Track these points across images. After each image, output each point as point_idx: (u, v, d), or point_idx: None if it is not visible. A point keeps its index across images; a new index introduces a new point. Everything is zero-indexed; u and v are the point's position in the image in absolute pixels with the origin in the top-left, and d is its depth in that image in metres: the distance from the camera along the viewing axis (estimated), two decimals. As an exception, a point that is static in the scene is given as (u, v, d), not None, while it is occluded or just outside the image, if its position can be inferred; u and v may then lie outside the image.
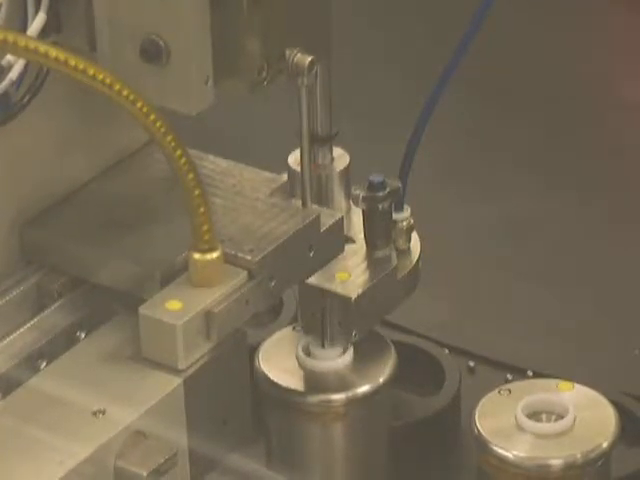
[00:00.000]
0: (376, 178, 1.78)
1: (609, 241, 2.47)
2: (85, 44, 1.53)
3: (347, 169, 1.92)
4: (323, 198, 1.86)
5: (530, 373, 1.87)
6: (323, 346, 1.78)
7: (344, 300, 1.73)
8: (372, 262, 1.83)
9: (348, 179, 1.94)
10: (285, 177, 1.79)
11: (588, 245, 2.45)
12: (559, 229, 2.49)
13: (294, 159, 1.82)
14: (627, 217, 2.47)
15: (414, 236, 1.95)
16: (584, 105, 2.91)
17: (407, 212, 1.93)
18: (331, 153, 1.84)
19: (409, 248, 1.93)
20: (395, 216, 1.88)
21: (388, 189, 1.75)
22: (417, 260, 1.92)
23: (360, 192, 1.72)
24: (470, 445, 1.64)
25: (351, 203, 1.83)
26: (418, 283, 1.93)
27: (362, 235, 1.85)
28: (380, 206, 1.81)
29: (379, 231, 1.83)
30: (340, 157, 1.84)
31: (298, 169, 1.76)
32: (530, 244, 2.44)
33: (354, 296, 1.73)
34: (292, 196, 1.74)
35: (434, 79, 1.85)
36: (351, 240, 1.84)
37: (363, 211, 1.79)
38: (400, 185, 1.79)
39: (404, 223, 1.92)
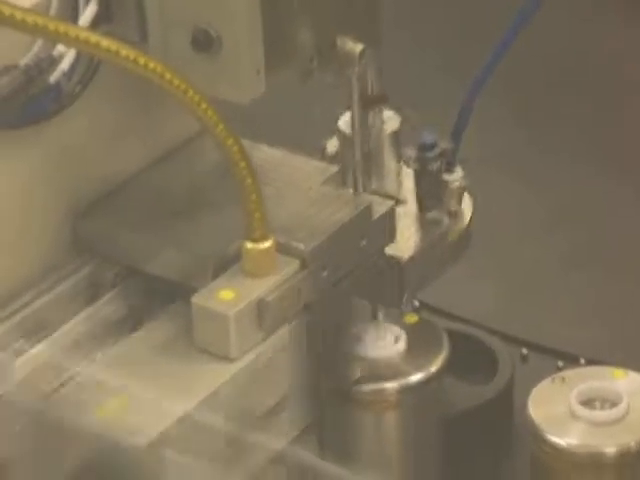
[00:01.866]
0: (428, 138, 1.79)
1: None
2: (136, 34, 1.53)
3: (397, 131, 1.84)
4: (374, 160, 1.77)
5: (582, 361, 1.87)
6: (375, 317, 1.78)
7: (395, 261, 1.73)
8: (423, 224, 1.82)
9: (398, 141, 1.85)
10: (336, 167, 1.74)
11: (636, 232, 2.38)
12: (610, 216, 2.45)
13: (344, 122, 1.74)
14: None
15: (466, 198, 1.94)
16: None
17: (459, 173, 1.90)
18: (381, 115, 1.79)
19: (461, 210, 1.91)
20: (446, 177, 1.86)
21: (439, 149, 1.75)
22: (469, 223, 1.91)
23: (411, 153, 1.71)
24: (523, 433, 1.64)
25: (402, 164, 1.80)
26: (469, 246, 1.92)
27: (413, 197, 1.84)
28: (431, 167, 1.80)
29: (430, 192, 1.83)
30: (390, 119, 1.79)
31: (348, 131, 1.70)
32: (578, 232, 2.40)
33: (405, 257, 1.73)
34: (343, 160, 1.74)
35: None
36: (402, 202, 1.81)
37: (415, 172, 1.76)
38: (452, 145, 1.79)
39: (455, 184, 1.89)
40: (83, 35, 1.36)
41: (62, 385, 1.47)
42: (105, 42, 1.34)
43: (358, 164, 1.70)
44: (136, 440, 1.35)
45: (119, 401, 1.42)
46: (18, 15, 1.34)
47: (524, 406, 1.58)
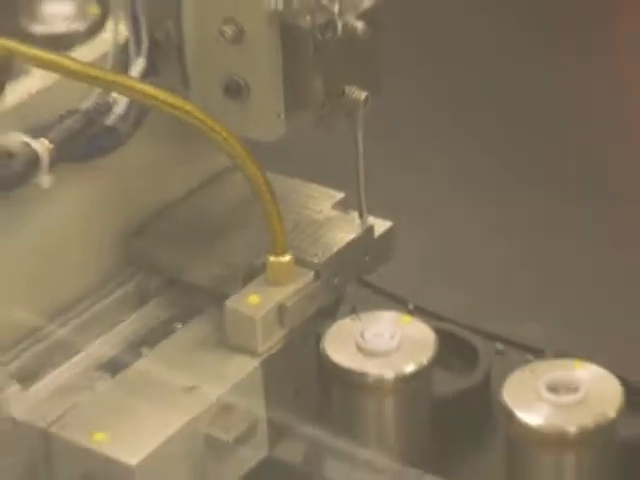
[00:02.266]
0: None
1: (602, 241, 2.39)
2: (179, 84, 1.53)
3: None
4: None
5: (548, 354, 1.87)
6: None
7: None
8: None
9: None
10: (343, 194, 1.72)
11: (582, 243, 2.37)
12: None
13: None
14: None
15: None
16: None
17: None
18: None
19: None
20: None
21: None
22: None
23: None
24: (499, 414, 1.59)
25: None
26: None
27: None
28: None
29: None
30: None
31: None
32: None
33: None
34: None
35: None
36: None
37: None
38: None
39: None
40: (134, 85, 1.42)
41: (113, 374, 1.49)
42: (152, 90, 1.39)
43: (362, 191, 1.64)
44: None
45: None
46: (81, 68, 1.40)
47: (499, 392, 1.55)
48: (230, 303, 1.48)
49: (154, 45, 1.53)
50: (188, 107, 1.40)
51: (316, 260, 1.55)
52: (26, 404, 1.41)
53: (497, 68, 3.04)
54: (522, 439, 1.52)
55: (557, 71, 2.98)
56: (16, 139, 1.37)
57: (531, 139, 2.71)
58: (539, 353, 1.79)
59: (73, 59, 1.44)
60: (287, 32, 1.44)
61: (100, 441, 1.34)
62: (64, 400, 1.42)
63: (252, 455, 1.52)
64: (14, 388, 1.41)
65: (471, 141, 2.73)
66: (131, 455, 1.31)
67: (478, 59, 2.93)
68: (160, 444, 1.34)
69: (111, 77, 1.44)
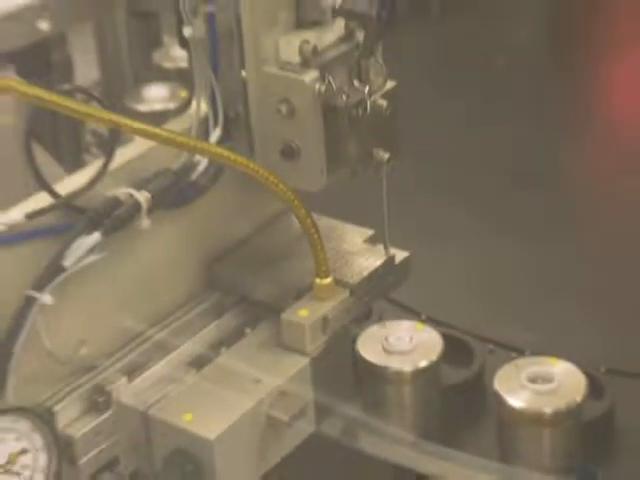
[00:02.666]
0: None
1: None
2: (246, 149, 1.59)
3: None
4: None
5: (528, 353, 1.87)
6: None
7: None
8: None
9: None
10: (372, 231, 1.75)
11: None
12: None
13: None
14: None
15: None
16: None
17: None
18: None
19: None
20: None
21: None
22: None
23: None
24: (491, 400, 1.66)
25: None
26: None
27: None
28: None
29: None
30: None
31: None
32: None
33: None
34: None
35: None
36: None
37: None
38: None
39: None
40: (212, 149, 1.50)
41: (198, 368, 1.54)
42: (226, 153, 1.46)
43: (386, 229, 1.66)
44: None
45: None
46: (172, 137, 1.45)
47: (491, 382, 1.62)
48: (285, 315, 1.54)
49: (227, 120, 1.60)
50: (252, 166, 1.47)
51: (351, 281, 1.59)
52: (131, 392, 1.47)
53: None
54: (509, 419, 1.59)
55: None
56: (123, 191, 1.45)
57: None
58: (521, 352, 1.83)
59: (167, 130, 1.51)
60: (328, 109, 1.49)
61: (187, 421, 1.40)
62: (160, 389, 1.47)
63: (303, 431, 1.57)
64: (122, 380, 1.49)
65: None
66: (211, 432, 1.37)
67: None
68: (232, 423, 1.40)
69: (194, 143, 1.50)
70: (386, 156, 1.55)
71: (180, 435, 1.41)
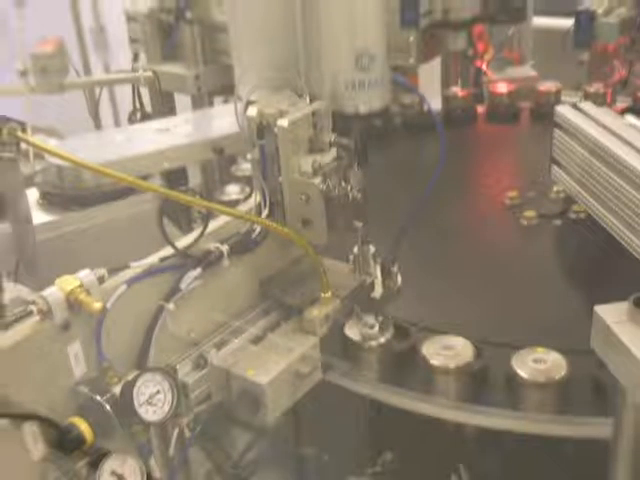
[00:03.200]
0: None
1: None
2: (282, 220, 1.67)
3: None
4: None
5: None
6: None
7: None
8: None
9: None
10: (352, 265, 1.76)
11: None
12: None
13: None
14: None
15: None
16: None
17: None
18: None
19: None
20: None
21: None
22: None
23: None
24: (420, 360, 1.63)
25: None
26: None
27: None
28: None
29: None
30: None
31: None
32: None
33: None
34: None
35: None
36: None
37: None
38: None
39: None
40: (263, 221, 1.65)
41: (256, 344, 1.62)
42: (269, 223, 1.63)
43: (359, 264, 1.75)
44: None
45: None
46: (240, 214, 1.66)
47: (421, 350, 1.61)
48: (305, 314, 1.63)
49: (271, 204, 1.68)
50: (285, 230, 1.64)
51: (342, 295, 1.68)
52: (218, 358, 1.56)
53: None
54: (431, 370, 1.60)
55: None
56: (214, 245, 1.59)
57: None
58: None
59: (238, 210, 1.71)
60: (327, 199, 1.60)
61: (250, 373, 1.51)
62: (235, 355, 1.57)
63: (316, 377, 1.62)
64: (213, 351, 1.59)
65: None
66: (263, 379, 1.48)
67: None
68: (276, 374, 1.51)
69: (253, 218, 1.67)
70: (360, 225, 1.66)
71: (246, 381, 1.51)
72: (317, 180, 1.61)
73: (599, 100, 2.32)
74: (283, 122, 1.57)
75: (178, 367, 1.52)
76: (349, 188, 1.63)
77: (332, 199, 1.63)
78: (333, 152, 1.64)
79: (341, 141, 1.64)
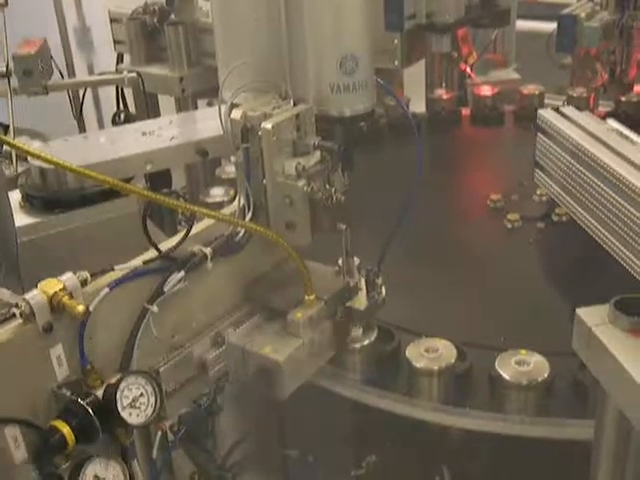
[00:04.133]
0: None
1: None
2: (266, 223, 1.66)
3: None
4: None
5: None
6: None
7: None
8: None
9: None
10: (337, 267, 1.74)
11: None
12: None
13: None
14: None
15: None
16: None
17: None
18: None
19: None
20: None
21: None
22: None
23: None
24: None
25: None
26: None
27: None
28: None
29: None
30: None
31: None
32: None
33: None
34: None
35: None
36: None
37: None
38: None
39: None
40: (246, 224, 1.64)
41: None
42: (253, 226, 1.62)
43: (344, 266, 1.73)
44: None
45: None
46: (224, 217, 1.64)
47: (404, 352, 1.63)
48: (290, 316, 1.63)
49: (255, 207, 1.67)
50: (269, 232, 1.63)
51: (325, 297, 1.67)
52: (234, 337, 1.61)
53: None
54: (417, 372, 1.63)
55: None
56: (197, 247, 1.58)
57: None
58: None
59: (221, 213, 1.69)
60: (311, 201, 1.61)
61: (267, 351, 1.57)
62: (250, 338, 1.62)
63: (329, 354, 1.67)
64: (230, 330, 1.64)
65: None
66: (280, 357, 1.55)
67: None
68: (289, 353, 1.56)
69: (237, 220, 1.66)
70: (343, 226, 1.65)
71: (263, 360, 1.58)
72: (301, 183, 1.60)
73: (582, 104, 2.33)
74: (267, 125, 1.57)
75: (161, 370, 1.52)
76: (333, 191, 1.63)
77: (316, 202, 1.63)
78: (317, 155, 1.64)
79: (325, 144, 1.63)
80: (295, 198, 1.62)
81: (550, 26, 2.22)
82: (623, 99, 2.47)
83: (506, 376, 1.57)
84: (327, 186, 1.64)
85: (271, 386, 1.58)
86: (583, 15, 2.11)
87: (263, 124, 1.57)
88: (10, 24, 1.74)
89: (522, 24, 3.00)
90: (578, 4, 2.25)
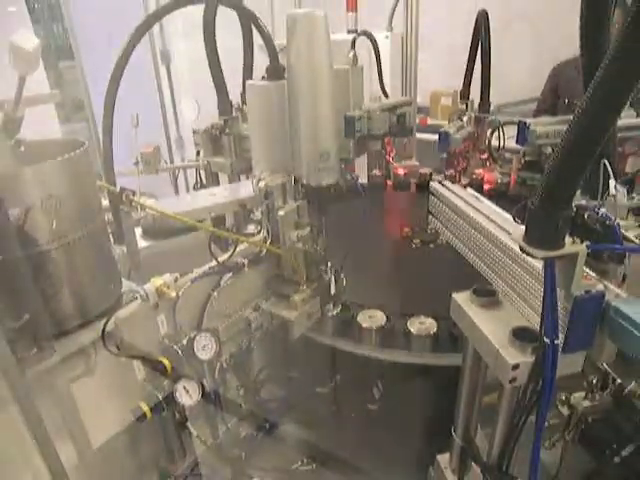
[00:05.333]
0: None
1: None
2: (277, 243, 1.53)
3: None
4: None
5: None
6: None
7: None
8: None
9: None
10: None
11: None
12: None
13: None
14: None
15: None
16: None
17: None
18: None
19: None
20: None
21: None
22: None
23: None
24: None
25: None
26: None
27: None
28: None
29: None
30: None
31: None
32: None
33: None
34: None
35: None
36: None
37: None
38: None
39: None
40: (267, 246, 1.53)
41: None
42: (270, 247, 1.51)
43: (327, 273, 1.62)
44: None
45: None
46: (256, 241, 1.54)
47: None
48: (292, 298, 1.54)
49: (272, 236, 1.55)
50: (279, 251, 1.53)
51: (308, 291, 1.57)
52: (265, 305, 1.50)
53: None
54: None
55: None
56: (239, 259, 1.48)
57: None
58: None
59: (252, 240, 1.55)
60: (305, 254, 1.54)
61: (284, 313, 1.49)
62: (274, 307, 1.52)
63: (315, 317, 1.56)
64: (264, 302, 1.53)
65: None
66: (292, 316, 1.48)
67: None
68: (296, 315, 1.49)
69: (261, 244, 1.53)
70: (323, 269, 1.59)
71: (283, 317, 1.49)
72: (299, 245, 1.54)
73: (452, 179, 2.34)
74: (282, 212, 1.50)
75: (220, 328, 1.45)
76: (317, 248, 1.59)
77: (308, 254, 1.58)
78: (308, 228, 1.58)
79: (312, 222, 1.58)
80: (296, 253, 1.57)
81: (434, 136, 2.17)
82: (473, 177, 2.49)
83: (413, 330, 1.55)
84: (315, 245, 1.58)
85: (287, 331, 1.52)
86: (452, 130, 2.14)
87: (279, 212, 1.50)
88: (139, 137, 1.75)
89: (420, 135, 3.09)
90: (451, 124, 2.25)
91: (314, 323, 1.59)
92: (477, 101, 2.31)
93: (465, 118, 2.26)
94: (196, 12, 1.67)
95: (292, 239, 1.49)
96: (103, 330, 1.17)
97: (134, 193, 1.36)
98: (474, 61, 2.21)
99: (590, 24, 0.94)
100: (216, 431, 1.51)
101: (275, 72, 1.54)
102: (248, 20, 1.68)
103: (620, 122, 0.75)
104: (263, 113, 1.58)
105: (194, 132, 2.13)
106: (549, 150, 2.02)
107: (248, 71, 1.88)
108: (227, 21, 1.78)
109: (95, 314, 1.23)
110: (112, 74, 1.49)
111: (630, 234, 0.97)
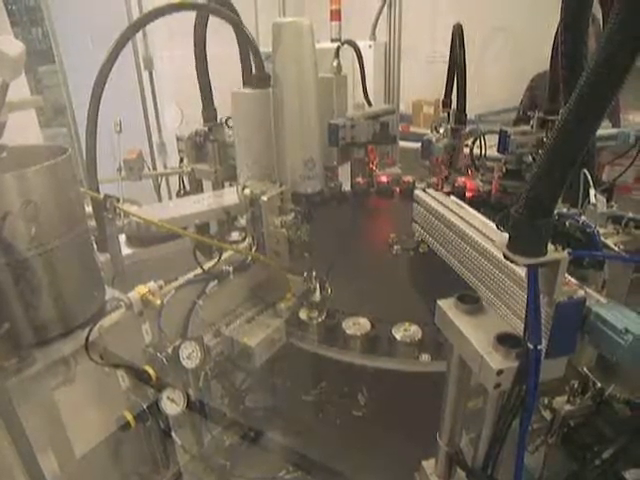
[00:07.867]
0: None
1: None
2: (264, 253, 1.57)
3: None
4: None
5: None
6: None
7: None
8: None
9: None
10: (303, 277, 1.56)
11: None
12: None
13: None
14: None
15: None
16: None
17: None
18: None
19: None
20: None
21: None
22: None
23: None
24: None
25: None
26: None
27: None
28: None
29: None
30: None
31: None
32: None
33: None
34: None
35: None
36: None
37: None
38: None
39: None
40: (254, 254, 1.55)
41: (249, 322, 1.53)
42: (257, 255, 1.54)
43: (311, 282, 1.59)
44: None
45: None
46: (240, 249, 1.56)
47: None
48: (278, 306, 1.58)
49: (257, 246, 1.58)
50: (265, 259, 1.54)
51: (297, 295, 1.59)
52: (227, 331, 1.47)
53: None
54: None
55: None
56: (224, 268, 1.48)
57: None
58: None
59: (237, 247, 1.56)
60: (289, 240, 1.53)
61: (245, 339, 1.45)
62: (235, 329, 1.49)
63: (282, 341, 1.55)
64: (224, 327, 1.49)
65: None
66: (252, 343, 1.44)
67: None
68: (260, 339, 1.46)
69: (246, 252, 1.54)
70: (307, 254, 1.58)
71: (242, 346, 1.46)
72: (283, 230, 1.53)
73: (435, 187, 2.34)
74: (264, 197, 1.50)
75: (204, 337, 1.44)
76: (300, 235, 1.57)
77: (291, 241, 1.57)
78: (292, 215, 1.57)
79: (296, 208, 1.58)
80: (280, 239, 1.55)
81: (417, 144, 2.16)
82: (456, 185, 2.46)
83: (397, 337, 1.52)
84: (298, 232, 1.57)
85: (248, 360, 1.49)
86: (434, 140, 2.15)
87: (262, 197, 1.51)
88: (122, 143, 1.73)
89: (402, 143, 3.05)
90: (432, 134, 2.25)
91: (299, 331, 1.60)
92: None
93: (442, 130, 2.28)
94: (181, 19, 1.66)
95: (275, 224, 1.48)
96: (87, 339, 1.15)
97: (118, 200, 1.36)
98: (454, 71, 2.24)
99: (570, 36, 0.98)
100: (201, 440, 1.48)
101: (260, 80, 1.56)
102: (237, 27, 1.69)
103: (597, 132, 0.72)
104: (248, 121, 1.59)
105: (178, 139, 2.14)
106: (529, 159, 2.05)
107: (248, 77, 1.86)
108: (211, 29, 1.79)
109: (78, 322, 1.20)
110: (96, 80, 1.48)
111: (609, 241, 0.99)
